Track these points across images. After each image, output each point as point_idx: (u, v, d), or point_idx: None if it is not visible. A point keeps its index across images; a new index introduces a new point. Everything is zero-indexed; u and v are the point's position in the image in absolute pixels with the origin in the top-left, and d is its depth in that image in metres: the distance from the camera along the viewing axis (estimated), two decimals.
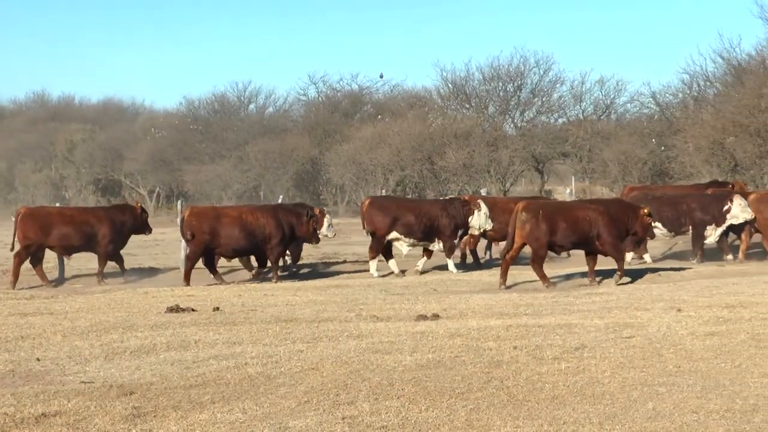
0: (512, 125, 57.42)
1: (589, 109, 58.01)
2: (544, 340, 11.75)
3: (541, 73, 57.46)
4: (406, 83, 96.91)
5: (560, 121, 58.14)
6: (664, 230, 23.45)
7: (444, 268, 22.71)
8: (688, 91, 51.32)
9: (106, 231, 22.51)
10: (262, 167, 58.17)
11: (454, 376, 9.86)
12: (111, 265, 23.21)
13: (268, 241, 21.58)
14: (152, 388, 9.57)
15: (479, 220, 22.68)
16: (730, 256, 23.62)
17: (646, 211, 19.80)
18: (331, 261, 25.86)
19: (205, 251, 21.43)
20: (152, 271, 23.60)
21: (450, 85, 58.55)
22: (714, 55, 48.68)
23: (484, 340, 11.83)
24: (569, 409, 8.55)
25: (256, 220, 21.59)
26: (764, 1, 54.21)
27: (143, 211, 23.50)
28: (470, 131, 52.63)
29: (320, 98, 67.35)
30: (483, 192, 30.22)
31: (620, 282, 19.09)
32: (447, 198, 25.98)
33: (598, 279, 19.52)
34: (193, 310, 15.32)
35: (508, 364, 10.40)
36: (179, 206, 25.49)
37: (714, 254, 24.31)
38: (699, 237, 23.48)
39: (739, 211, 23.13)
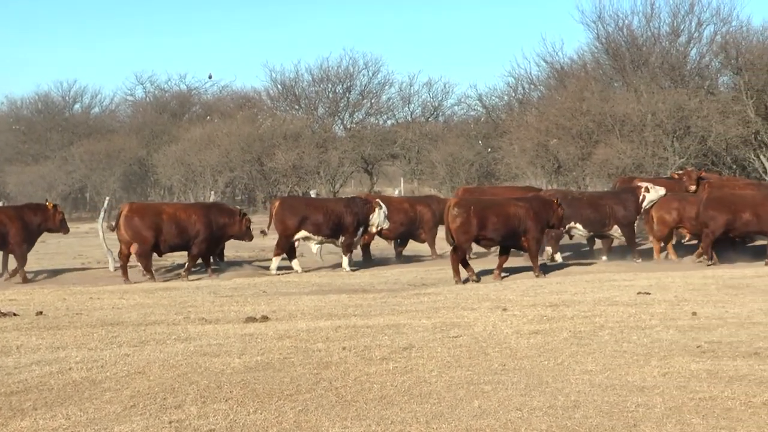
0: (342, 127, 57.93)
1: (417, 110, 58.93)
2: (373, 341, 11.82)
3: (370, 75, 58.18)
4: (236, 84, 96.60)
5: (389, 122, 58.92)
6: (584, 231, 23.70)
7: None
8: (514, 94, 52.54)
9: (16, 230, 22.27)
10: (87, 168, 57.16)
11: (283, 377, 9.85)
12: None
13: (197, 237, 22.08)
14: None
15: (378, 218, 23.52)
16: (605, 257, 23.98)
17: (557, 201, 20.97)
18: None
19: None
20: None
21: (279, 87, 58.72)
22: (538, 59, 50.01)
23: (313, 342, 11.83)
24: (397, 408, 8.62)
25: (188, 218, 22.07)
26: (585, 6, 55.87)
27: (56, 209, 23.19)
28: (300, 132, 52.76)
29: (148, 98, 66.69)
30: (312, 193, 30.34)
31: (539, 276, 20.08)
32: (349, 197, 26.71)
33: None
34: (14, 314, 14.89)
35: (337, 365, 10.42)
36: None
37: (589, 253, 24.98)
38: (631, 234, 23.70)
39: (653, 193, 23.58)
